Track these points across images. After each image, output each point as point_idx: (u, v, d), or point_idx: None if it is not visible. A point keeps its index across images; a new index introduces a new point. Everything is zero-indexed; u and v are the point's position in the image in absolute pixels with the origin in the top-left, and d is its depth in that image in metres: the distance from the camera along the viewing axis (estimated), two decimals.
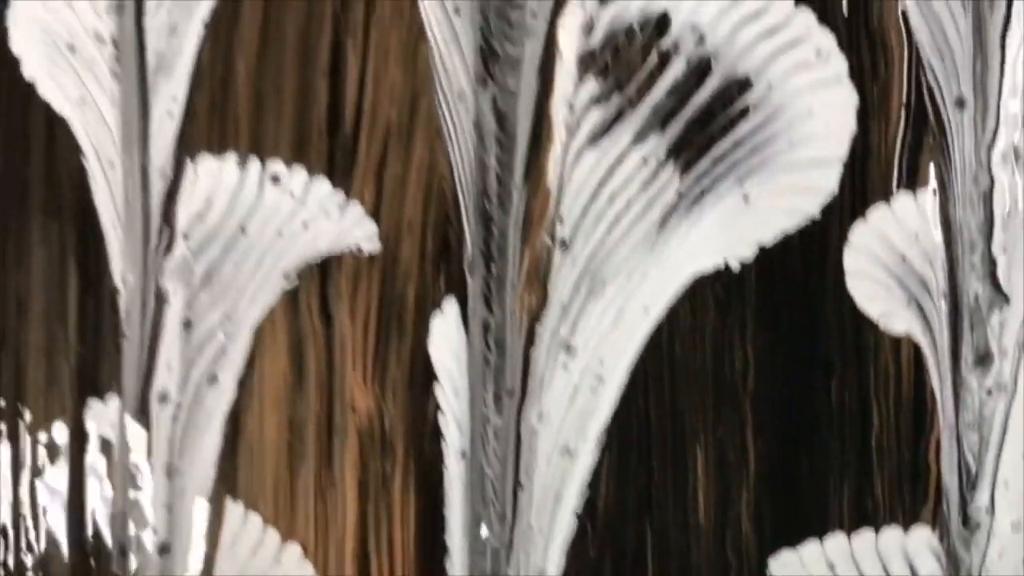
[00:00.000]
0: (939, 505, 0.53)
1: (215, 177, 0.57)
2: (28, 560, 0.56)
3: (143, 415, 0.57)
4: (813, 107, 0.53)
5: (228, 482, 0.56)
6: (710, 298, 0.54)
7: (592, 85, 0.55)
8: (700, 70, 0.54)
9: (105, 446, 0.57)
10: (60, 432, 0.57)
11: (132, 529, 0.56)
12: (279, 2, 0.57)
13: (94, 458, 0.57)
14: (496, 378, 0.54)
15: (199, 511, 0.55)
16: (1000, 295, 0.52)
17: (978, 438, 0.53)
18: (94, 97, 0.58)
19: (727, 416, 0.54)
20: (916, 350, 0.53)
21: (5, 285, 0.58)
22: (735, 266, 0.53)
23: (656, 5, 0.54)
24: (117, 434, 0.57)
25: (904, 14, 0.53)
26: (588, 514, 0.54)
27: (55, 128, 0.59)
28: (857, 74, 0.54)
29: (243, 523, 0.55)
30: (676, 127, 0.54)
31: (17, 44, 0.59)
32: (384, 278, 0.56)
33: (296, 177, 0.56)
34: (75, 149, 0.59)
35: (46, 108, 0.59)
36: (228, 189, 0.57)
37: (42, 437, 0.57)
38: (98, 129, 0.58)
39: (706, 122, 0.54)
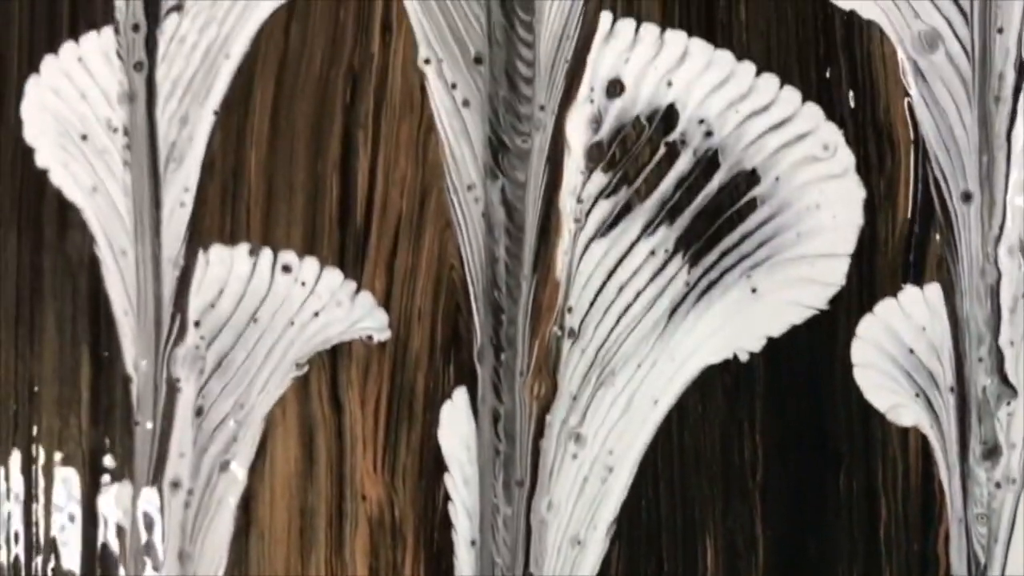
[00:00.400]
0: None
1: (226, 266, 0.57)
2: None
3: (156, 501, 0.56)
4: (820, 200, 0.53)
5: (239, 568, 0.56)
6: (719, 389, 0.54)
7: (600, 177, 0.55)
8: (708, 163, 0.54)
9: (119, 531, 0.57)
10: (74, 517, 0.57)
11: None
12: (289, 93, 0.57)
13: (107, 543, 0.57)
14: (506, 467, 0.54)
15: None
16: (1008, 388, 0.52)
17: (987, 530, 0.52)
18: (106, 186, 0.58)
19: (736, 506, 0.54)
20: (924, 442, 0.53)
21: (19, 372, 0.59)
22: (744, 357, 0.53)
23: (663, 98, 0.55)
24: (130, 520, 0.57)
25: (910, 107, 0.54)
26: None
27: (68, 216, 0.59)
28: (864, 167, 0.54)
29: None
30: (684, 219, 0.54)
31: (31, 133, 0.59)
32: (394, 367, 0.56)
33: (307, 267, 0.57)
34: (88, 237, 0.59)
35: (59, 197, 0.59)
36: (240, 278, 0.57)
37: (56, 520, 0.57)
38: (110, 218, 0.58)
39: (714, 215, 0.54)
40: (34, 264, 0.59)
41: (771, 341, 0.54)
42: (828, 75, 0.54)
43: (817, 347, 0.53)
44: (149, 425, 0.57)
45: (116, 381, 0.58)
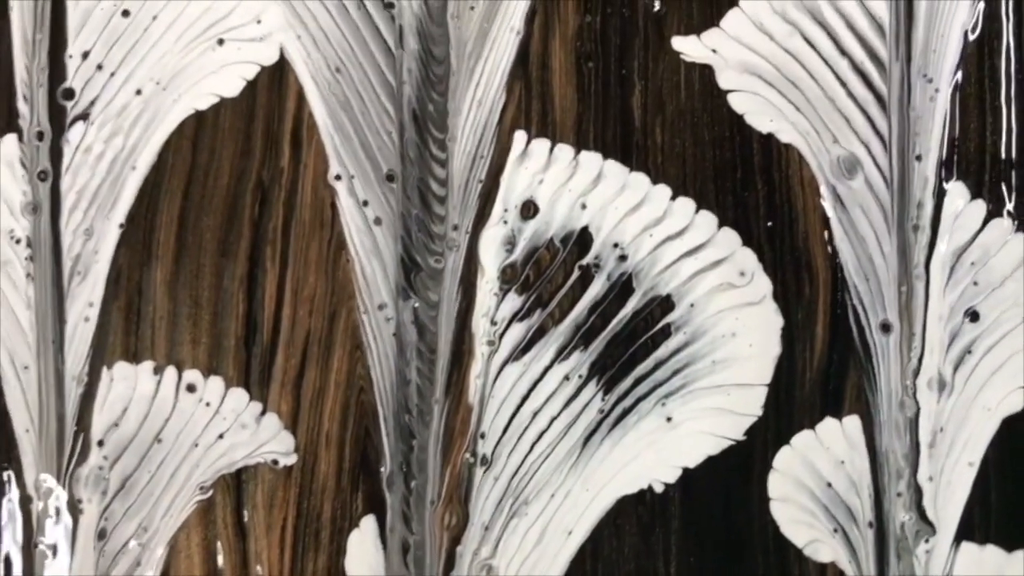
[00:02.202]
0: None
1: (131, 384, 0.54)
2: None
3: None
4: (737, 328, 0.51)
5: None
6: (633, 520, 0.51)
7: (514, 300, 0.52)
8: (622, 288, 0.52)
9: None
10: None
11: None
12: (197, 206, 0.54)
13: None
14: None
15: None
16: (926, 525, 0.50)
17: None
18: (8, 299, 0.55)
19: None
20: None
21: None
22: (658, 488, 0.51)
23: (577, 221, 0.52)
24: None
25: (829, 234, 0.51)
26: None
27: None
28: (782, 295, 0.51)
29: None
30: (598, 344, 0.52)
31: None
32: (301, 492, 0.53)
33: (212, 387, 0.54)
34: None
35: None
36: (144, 397, 0.54)
37: None
38: (12, 331, 0.55)
39: (628, 340, 0.51)
40: None
41: (686, 472, 0.51)
42: (745, 199, 0.51)
43: (733, 479, 0.51)
44: (50, 548, 0.54)
45: (16, 503, 0.55)
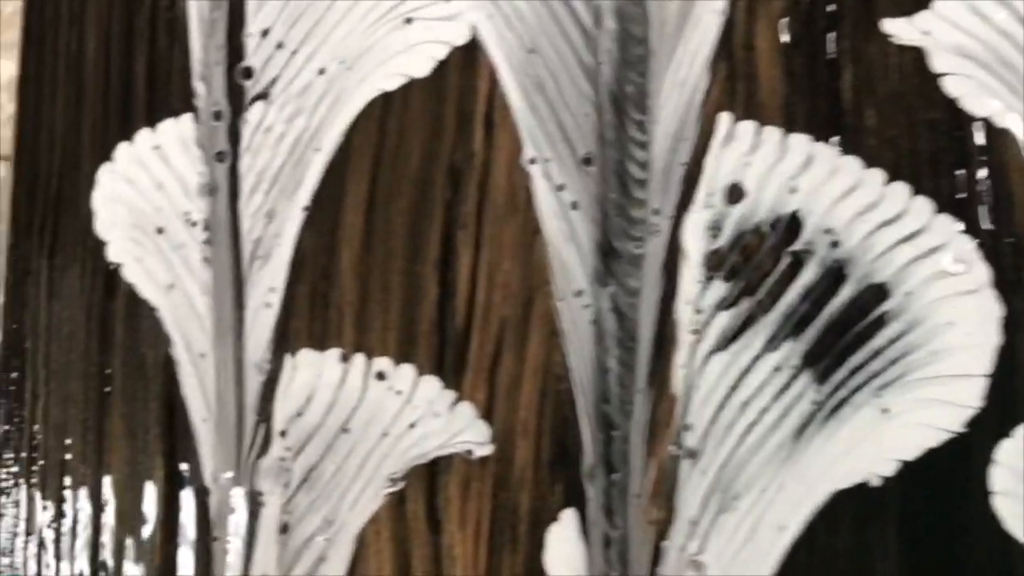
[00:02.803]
0: None
1: (316, 372, 0.52)
2: None
3: None
4: (954, 318, 0.49)
5: None
6: (849, 515, 0.49)
7: (720, 287, 0.50)
8: (834, 275, 0.50)
9: None
10: None
11: None
12: (385, 190, 0.53)
13: None
14: None
15: None
16: None
17: None
18: (184, 283, 0.54)
19: None
20: None
21: (83, 481, 0.53)
22: (875, 482, 0.48)
23: (787, 205, 0.50)
24: None
25: None
26: None
27: (141, 315, 0.54)
28: (1001, 283, 0.49)
29: None
30: (810, 334, 0.50)
31: (102, 225, 0.55)
32: (496, 484, 0.51)
33: (403, 374, 0.52)
34: (163, 338, 0.54)
35: (132, 294, 0.54)
36: (330, 385, 0.52)
37: None
38: (188, 317, 0.53)
39: (842, 330, 0.50)
40: (104, 366, 0.54)
41: (904, 465, 0.49)
42: (961, 185, 0.49)
43: (953, 472, 0.49)
44: (229, 542, 0.51)
45: (192, 494, 0.52)
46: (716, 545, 0.53)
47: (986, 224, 0.53)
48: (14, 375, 0.57)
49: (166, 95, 0.57)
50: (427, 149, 0.56)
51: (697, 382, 0.53)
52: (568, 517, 0.53)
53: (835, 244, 0.53)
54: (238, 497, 0.55)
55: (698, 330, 0.53)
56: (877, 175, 0.53)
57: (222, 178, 0.56)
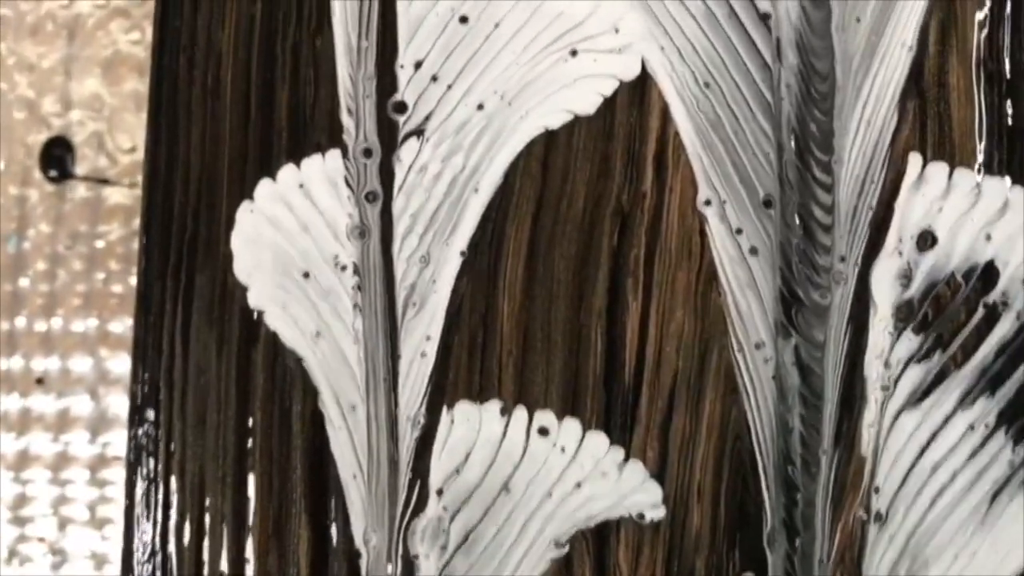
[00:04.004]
0: None
1: (474, 427, 0.54)
2: None
3: None
4: None
5: None
6: None
7: (911, 340, 0.52)
8: None
9: None
10: None
11: None
12: (548, 234, 0.56)
13: None
14: None
15: None
16: None
17: None
18: (333, 332, 0.56)
19: None
20: None
21: (223, 543, 0.54)
22: None
23: (982, 254, 0.52)
24: None
25: None
26: None
27: (286, 365, 0.56)
28: None
29: None
30: (1007, 390, 0.52)
31: (243, 269, 0.57)
32: (670, 550, 0.53)
33: (568, 431, 0.54)
34: (309, 389, 0.56)
35: (275, 342, 0.57)
36: (490, 441, 0.54)
37: None
38: (337, 368, 0.56)
39: None
40: (244, 418, 0.56)
41: None
42: None
43: None
44: None
45: (341, 556, 0.54)
46: None
47: None
48: (148, 428, 0.58)
49: (311, 130, 0.60)
50: (593, 191, 0.58)
51: (886, 442, 0.55)
52: None
53: None
54: (391, 560, 0.57)
55: (887, 386, 0.56)
56: None
57: (373, 220, 0.59)
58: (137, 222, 0.63)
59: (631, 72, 0.59)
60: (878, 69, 0.59)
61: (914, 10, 0.59)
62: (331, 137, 0.60)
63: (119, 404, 0.66)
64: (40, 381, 0.66)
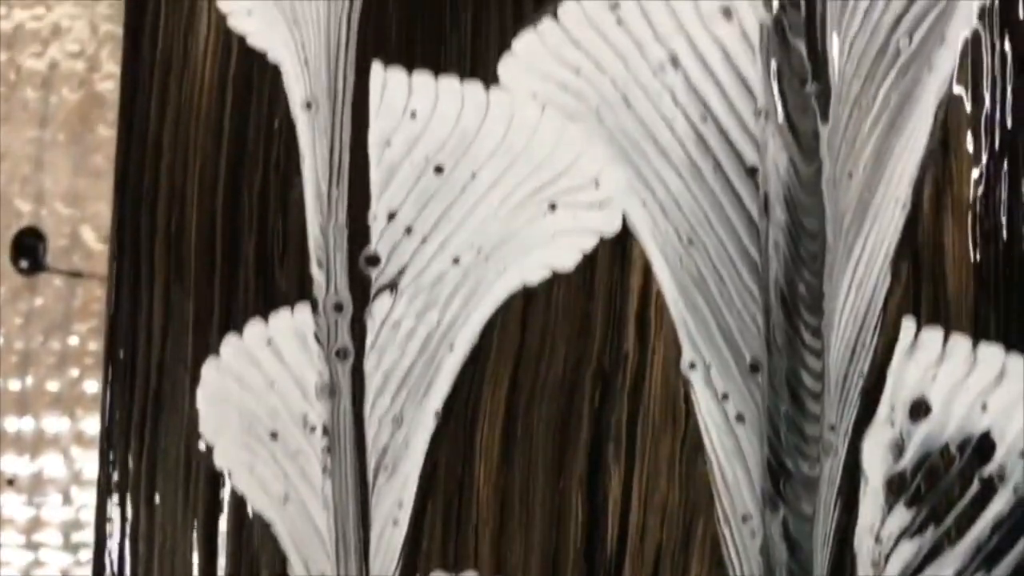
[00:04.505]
0: None
1: None
2: None
3: None
4: None
5: None
6: None
7: (903, 514, 0.51)
8: None
9: None
10: None
11: None
12: (527, 396, 0.57)
13: None
14: None
15: None
16: None
17: None
18: (301, 495, 0.55)
19: None
20: None
21: None
22: None
23: (977, 424, 0.51)
24: None
25: None
26: None
27: (253, 530, 0.54)
28: None
29: None
30: (1003, 570, 0.52)
31: (208, 428, 0.55)
32: None
33: None
34: (278, 555, 0.55)
35: (242, 505, 0.55)
36: None
37: None
38: (306, 534, 0.55)
39: None
40: None
41: None
42: None
43: None
44: None
45: None
46: None
47: None
48: None
49: (280, 282, 0.58)
50: (573, 351, 0.57)
51: None
52: None
53: None
54: None
55: (878, 562, 0.55)
56: None
57: (344, 378, 0.57)
58: None
59: (612, 227, 0.58)
60: (870, 228, 0.57)
61: (908, 166, 0.58)
62: (300, 290, 0.59)
63: (93, 503, 0.64)
64: (11, 483, 0.65)
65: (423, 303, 0.59)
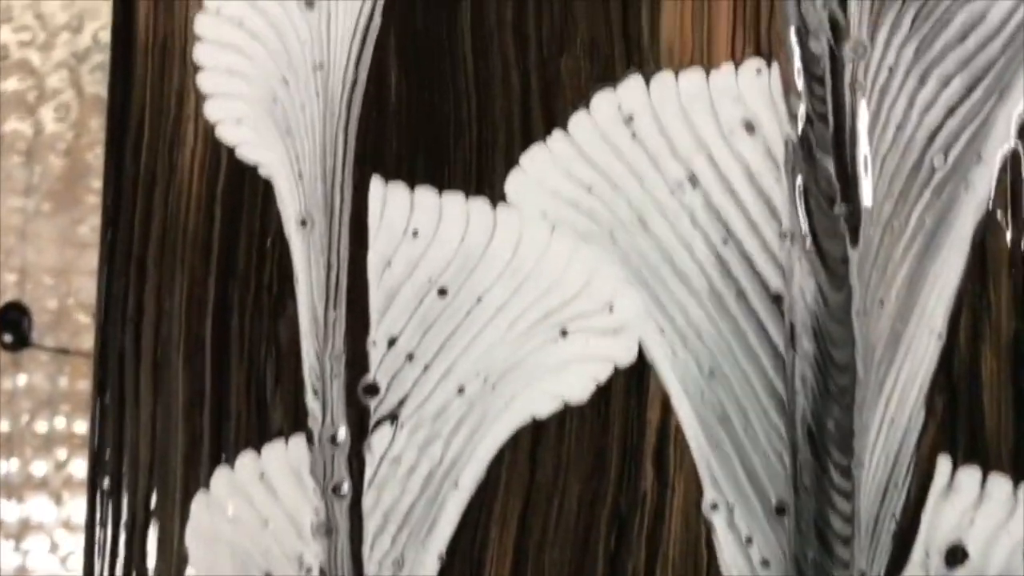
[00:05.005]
0: None
1: None
2: None
3: None
4: None
5: None
6: None
7: None
8: None
9: None
10: None
11: None
12: (538, 538, 0.58)
13: None
14: None
15: None
16: None
17: None
18: None
19: None
20: None
21: None
22: None
23: (1019, 572, 0.49)
24: None
25: None
26: None
27: None
28: None
29: None
30: None
31: (198, 567, 0.54)
32: None
33: None
34: None
35: None
36: None
37: None
38: None
39: None
40: None
41: None
42: None
43: None
44: None
45: None
46: None
47: None
48: None
49: (273, 412, 0.55)
50: (587, 490, 0.55)
51: None
52: None
53: None
54: None
55: None
56: None
57: (341, 516, 0.55)
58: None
59: (628, 356, 0.55)
60: (903, 360, 0.55)
61: (944, 293, 0.55)
62: (295, 421, 0.56)
63: None
64: None
65: (425, 436, 0.56)
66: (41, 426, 0.63)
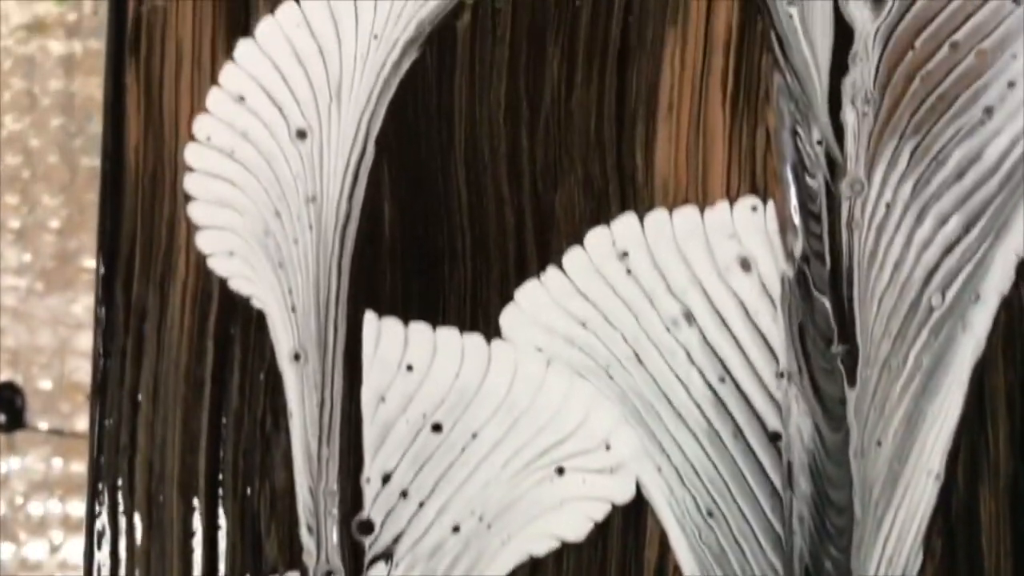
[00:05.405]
0: None
1: None
2: None
3: None
4: None
5: None
6: None
7: None
8: None
9: None
10: None
11: None
12: None
13: None
14: None
15: None
16: None
17: None
18: None
19: None
20: None
21: None
22: None
23: None
24: None
25: None
26: None
27: None
28: None
29: None
30: None
31: None
32: None
33: None
34: None
35: None
36: None
37: None
38: None
39: None
40: None
41: None
42: None
43: None
44: None
45: None
46: None
47: None
48: None
49: (266, 549, 0.55)
50: None
51: None
52: None
53: None
54: None
55: None
56: None
57: None
58: None
59: (625, 495, 0.55)
60: (901, 501, 0.55)
61: (942, 433, 0.56)
62: (289, 558, 0.56)
63: None
64: None
65: (421, 574, 0.58)
66: (35, 508, 0.63)
